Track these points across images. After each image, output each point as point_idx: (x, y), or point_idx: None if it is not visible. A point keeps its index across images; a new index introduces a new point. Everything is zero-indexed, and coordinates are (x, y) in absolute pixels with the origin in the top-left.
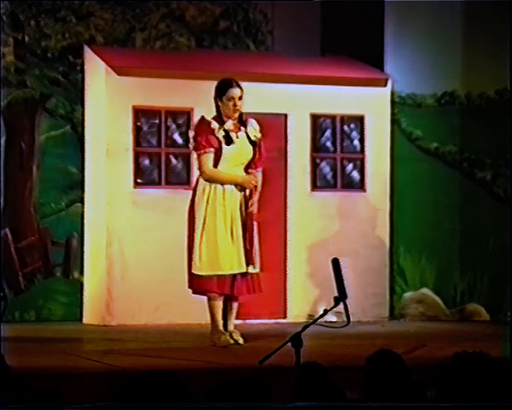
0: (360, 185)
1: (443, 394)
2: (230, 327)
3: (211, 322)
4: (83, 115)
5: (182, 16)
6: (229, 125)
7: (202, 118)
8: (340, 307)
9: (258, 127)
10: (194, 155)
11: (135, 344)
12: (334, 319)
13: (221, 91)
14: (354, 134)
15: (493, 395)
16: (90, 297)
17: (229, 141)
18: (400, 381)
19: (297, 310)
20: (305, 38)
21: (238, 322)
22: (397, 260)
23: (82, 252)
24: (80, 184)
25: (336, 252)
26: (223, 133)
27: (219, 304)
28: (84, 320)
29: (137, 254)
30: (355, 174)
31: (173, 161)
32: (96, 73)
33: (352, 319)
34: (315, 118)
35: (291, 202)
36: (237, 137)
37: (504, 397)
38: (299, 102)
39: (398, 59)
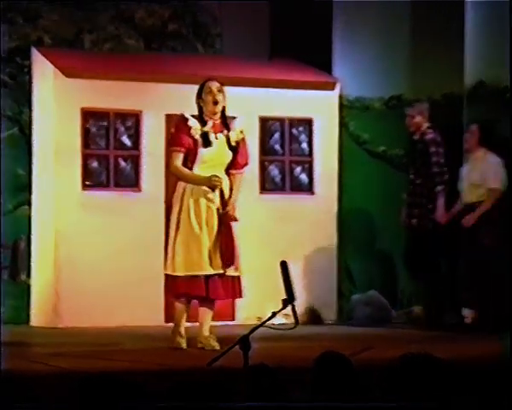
0: (308, 188)
1: (390, 394)
2: (206, 332)
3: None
4: (30, 117)
5: (131, 18)
6: (208, 126)
7: (181, 115)
8: (289, 309)
9: (242, 129)
10: (142, 158)
11: (83, 347)
12: (282, 321)
13: (200, 89)
14: (303, 137)
15: (439, 395)
16: (38, 300)
17: (206, 143)
18: (347, 382)
19: (245, 312)
20: (253, 41)
21: (187, 325)
22: (345, 262)
23: (29, 254)
24: (28, 187)
25: (285, 254)
26: (200, 133)
27: (183, 306)
28: (32, 323)
29: (86, 256)
30: (303, 177)
31: (122, 163)
32: (44, 74)
33: (300, 321)
34: (263, 121)
35: (240, 205)
36: (216, 138)
37: (449, 397)
38: (247, 105)
39: (346, 62)
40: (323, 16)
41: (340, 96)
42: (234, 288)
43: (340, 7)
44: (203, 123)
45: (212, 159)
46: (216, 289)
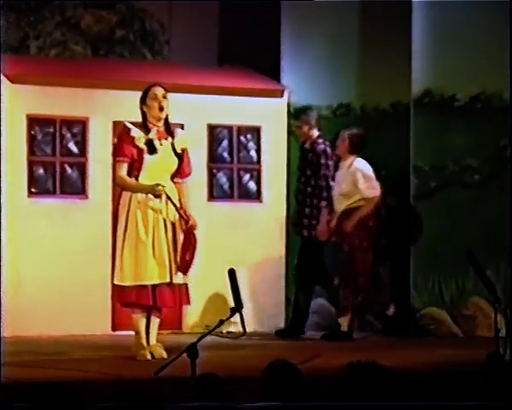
0: (257, 196)
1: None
2: (153, 340)
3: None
4: None
5: (77, 24)
6: (153, 133)
7: (124, 125)
8: (237, 317)
9: (185, 138)
10: (89, 165)
11: (29, 356)
12: (231, 329)
13: (144, 94)
14: (251, 145)
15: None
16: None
17: (151, 150)
18: (296, 391)
19: (193, 321)
20: (202, 48)
21: (132, 333)
22: (293, 270)
23: None
24: None
25: (233, 262)
26: (144, 141)
27: (141, 317)
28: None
29: (32, 263)
30: (252, 185)
31: (68, 170)
32: None
33: (248, 330)
34: (212, 128)
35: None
36: (161, 145)
37: (395, 405)
38: (196, 112)
39: (294, 70)
40: (272, 24)
41: (289, 104)
42: (181, 295)
43: (288, 15)
44: (147, 130)
45: (158, 166)
46: (163, 298)
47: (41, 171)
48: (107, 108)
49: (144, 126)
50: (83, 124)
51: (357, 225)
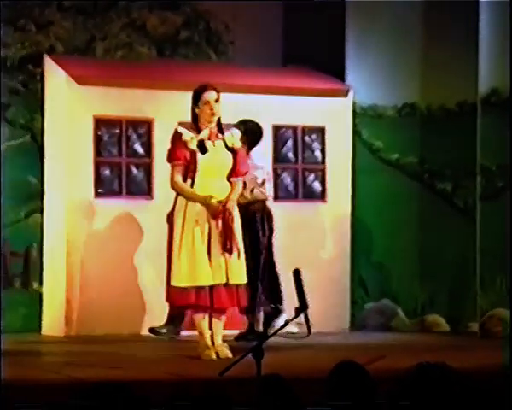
0: (321, 196)
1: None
2: (218, 341)
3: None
4: (42, 125)
5: (143, 26)
6: (204, 134)
7: (175, 130)
8: (301, 318)
9: (238, 136)
10: (154, 165)
11: (94, 356)
12: (295, 329)
13: (196, 97)
14: (315, 145)
15: (455, 405)
16: (50, 308)
17: (203, 150)
18: (364, 392)
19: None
20: (266, 48)
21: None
22: (358, 270)
23: (41, 262)
24: (39, 194)
25: (297, 262)
26: (196, 143)
27: (203, 317)
28: (44, 331)
29: (97, 264)
30: (316, 185)
31: (134, 170)
32: (56, 82)
33: (312, 330)
34: (276, 129)
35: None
36: (214, 146)
37: (465, 407)
38: (260, 112)
39: (359, 70)
40: (337, 24)
41: (353, 104)
42: (238, 296)
43: (353, 14)
44: (198, 131)
45: (212, 166)
46: (220, 299)
47: (107, 172)
48: (172, 109)
49: (196, 127)
50: (148, 125)
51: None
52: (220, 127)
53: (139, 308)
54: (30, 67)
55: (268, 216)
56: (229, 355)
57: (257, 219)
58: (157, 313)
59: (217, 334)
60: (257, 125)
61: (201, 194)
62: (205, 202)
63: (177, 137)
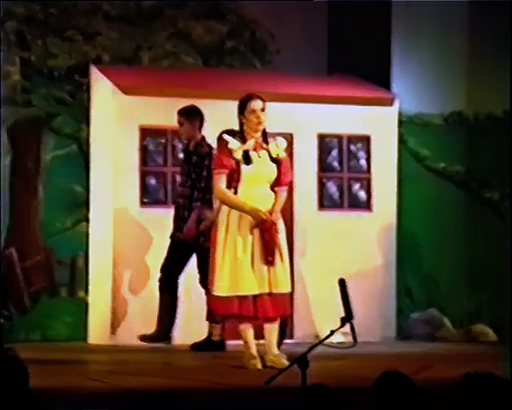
0: (367, 205)
1: None
2: (274, 350)
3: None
4: (88, 134)
5: (188, 35)
6: (249, 144)
7: (220, 138)
8: (347, 327)
9: (283, 145)
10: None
11: (139, 364)
12: (340, 339)
13: (242, 106)
14: (361, 154)
15: None
16: (96, 317)
17: (247, 161)
18: (410, 402)
19: (303, 330)
20: (311, 57)
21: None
22: (404, 280)
23: (87, 271)
24: (86, 204)
25: (343, 272)
26: (241, 153)
27: (248, 326)
28: (89, 340)
29: (143, 273)
30: (361, 194)
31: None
32: (103, 92)
33: (358, 340)
34: (322, 138)
35: (298, 222)
36: (259, 157)
37: None
38: (306, 121)
39: (405, 78)
40: (382, 32)
41: (399, 112)
42: (284, 305)
43: (398, 23)
44: (244, 140)
45: (255, 176)
46: (264, 308)
47: (153, 181)
48: (217, 118)
49: (241, 136)
50: None
51: None
52: (265, 137)
53: (184, 317)
54: (77, 77)
55: None
56: (286, 364)
57: None
58: (201, 322)
59: (271, 343)
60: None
61: (246, 204)
62: (253, 213)
63: (222, 145)
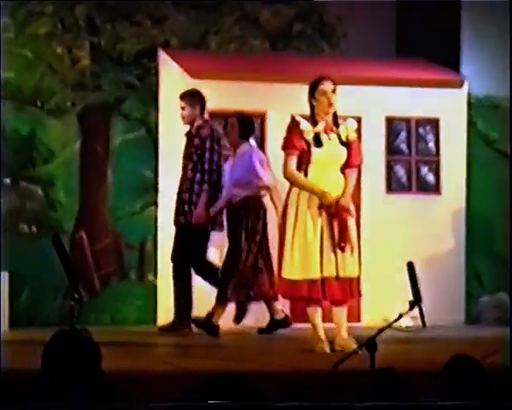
0: (435, 188)
1: None
2: (343, 334)
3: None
4: (157, 118)
5: (256, 19)
6: (320, 127)
7: (293, 118)
8: (416, 311)
9: (353, 127)
10: (271, 155)
11: (207, 348)
12: (409, 323)
13: (313, 89)
14: (429, 137)
15: None
16: (165, 300)
17: (318, 143)
18: (478, 387)
19: (371, 314)
20: (379, 40)
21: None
22: (473, 263)
23: (156, 255)
24: (154, 188)
25: (411, 255)
26: (312, 135)
27: (316, 310)
28: (159, 323)
29: (210, 255)
30: (430, 177)
31: None
32: (171, 76)
33: (427, 324)
34: (389, 120)
35: (365, 205)
36: (329, 139)
37: None
38: (373, 104)
39: (474, 61)
40: (451, 14)
41: (468, 95)
42: (351, 289)
43: (468, 5)
44: (315, 123)
45: (326, 159)
46: (332, 291)
47: None
48: (285, 102)
49: (312, 119)
50: (261, 118)
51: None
52: (336, 120)
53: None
54: (145, 62)
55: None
56: (353, 347)
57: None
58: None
59: (341, 327)
60: (249, 117)
61: (315, 186)
62: (322, 198)
63: (294, 126)
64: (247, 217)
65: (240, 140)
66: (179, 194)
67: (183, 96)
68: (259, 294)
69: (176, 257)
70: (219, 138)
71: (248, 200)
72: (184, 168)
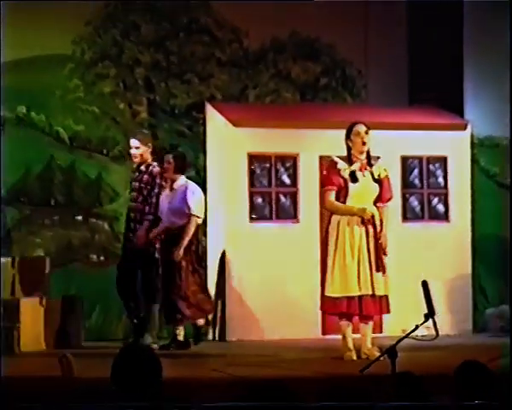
0: (445, 217)
1: None
2: (369, 344)
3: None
4: (205, 162)
5: (288, 75)
6: (355, 166)
7: (331, 159)
8: (430, 322)
9: (384, 167)
10: (300, 194)
11: (251, 358)
12: (424, 333)
13: (349, 131)
14: (439, 172)
15: None
16: (214, 317)
17: (354, 179)
18: (488, 388)
19: (392, 326)
20: (394, 90)
21: (338, 337)
22: (478, 281)
23: (206, 276)
24: (204, 220)
25: (425, 275)
26: (348, 172)
27: (348, 323)
28: (209, 337)
29: (252, 278)
30: (440, 207)
31: (282, 198)
32: (216, 125)
33: (440, 333)
34: (404, 159)
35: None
36: (363, 176)
37: None
38: (390, 145)
39: (476, 106)
40: (456, 68)
41: (472, 136)
42: (382, 305)
43: (470, 60)
44: (350, 162)
45: (361, 193)
46: (367, 307)
47: (259, 200)
48: (314, 145)
49: (348, 159)
50: (294, 159)
51: (185, 249)
52: (369, 160)
53: (287, 316)
54: (194, 114)
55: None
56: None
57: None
58: (304, 320)
59: (367, 338)
60: (183, 153)
61: (354, 206)
62: (362, 213)
63: (332, 166)
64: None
65: (176, 175)
66: (128, 222)
67: (136, 138)
68: (198, 312)
69: (118, 281)
70: (163, 174)
71: (183, 228)
72: (134, 200)
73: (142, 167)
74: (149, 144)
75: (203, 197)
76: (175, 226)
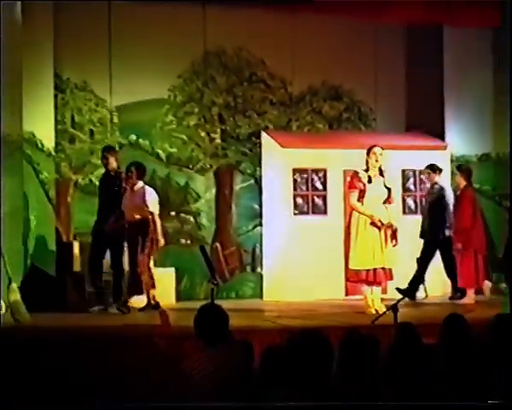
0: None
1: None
2: (378, 302)
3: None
4: (261, 173)
5: (320, 111)
6: (371, 173)
7: (355, 170)
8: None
9: (390, 180)
10: (329, 195)
11: (294, 312)
12: (418, 294)
13: (369, 151)
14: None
15: None
16: (268, 283)
17: (370, 181)
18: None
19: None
20: (396, 120)
21: (359, 297)
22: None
23: (261, 256)
24: (260, 215)
25: (418, 254)
26: (367, 178)
27: (367, 287)
28: (264, 298)
29: (296, 255)
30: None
31: (316, 199)
32: (269, 147)
33: (428, 295)
34: (403, 171)
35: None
36: (377, 179)
37: None
38: (393, 162)
39: (454, 132)
40: (439, 103)
41: (451, 155)
42: (389, 274)
43: (450, 93)
44: (367, 171)
45: (374, 194)
46: (380, 277)
47: (300, 200)
48: (338, 162)
49: (367, 169)
50: (324, 172)
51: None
52: (381, 172)
53: (322, 282)
54: (253, 139)
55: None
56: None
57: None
58: (333, 285)
59: (377, 298)
60: (141, 164)
61: (368, 212)
62: (370, 217)
63: (355, 174)
64: (140, 233)
65: (136, 180)
66: (99, 213)
67: (109, 151)
68: (146, 285)
69: (92, 255)
70: (127, 179)
71: (141, 221)
72: (105, 200)
73: (112, 173)
74: (116, 156)
75: (157, 198)
76: (133, 220)
